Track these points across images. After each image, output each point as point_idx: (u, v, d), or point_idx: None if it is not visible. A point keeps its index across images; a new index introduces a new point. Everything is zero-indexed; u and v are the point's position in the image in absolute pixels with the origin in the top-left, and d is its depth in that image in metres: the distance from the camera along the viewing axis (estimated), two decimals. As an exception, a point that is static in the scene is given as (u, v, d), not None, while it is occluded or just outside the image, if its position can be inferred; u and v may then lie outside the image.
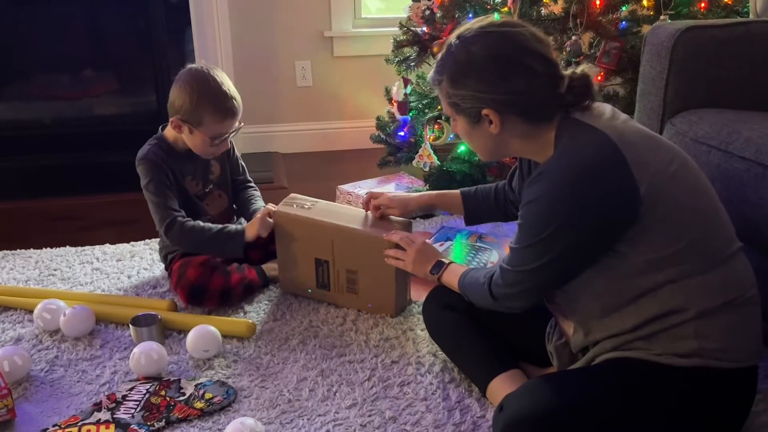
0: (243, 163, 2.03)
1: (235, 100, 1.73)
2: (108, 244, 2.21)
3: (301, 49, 3.24)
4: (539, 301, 1.29)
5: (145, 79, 3.06)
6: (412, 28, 2.57)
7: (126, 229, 2.37)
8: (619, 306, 1.15)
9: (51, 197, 2.73)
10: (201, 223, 1.79)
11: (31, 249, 2.18)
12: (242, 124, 1.81)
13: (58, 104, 3.04)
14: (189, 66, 1.77)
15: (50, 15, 2.89)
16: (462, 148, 2.46)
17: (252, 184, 2.05)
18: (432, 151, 2.46)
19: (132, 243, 2.22)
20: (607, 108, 1.22)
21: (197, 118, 1.71)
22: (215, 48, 2.96)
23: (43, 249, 2.17)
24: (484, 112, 1.18)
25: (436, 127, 2.50)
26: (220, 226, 1.80)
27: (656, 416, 1.11)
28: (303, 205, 1.79)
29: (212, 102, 1.69)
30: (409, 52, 2.59)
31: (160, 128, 1.87)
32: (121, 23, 3.02)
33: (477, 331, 1.45)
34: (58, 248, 2.18)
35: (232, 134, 1.79)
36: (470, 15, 2.38)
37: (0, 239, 2.27)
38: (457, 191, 1.68)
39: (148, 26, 2.91)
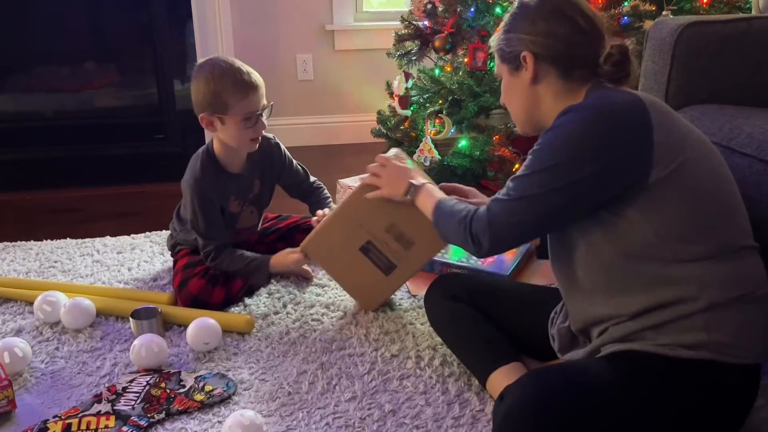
0: (303, 166, 2.00)
1: (252, 74, 1.67)
2: (108, 237, 2.22)
3: (302, 42, 3.23)
4: (518, 244, 1.26)
5: (146, 72, 3.05)
6: (414, 22, 2.56)
7: (126, 221, 2.37)
8: (627, 286, 1.14)
9: (52, 189, 2.74)
10: (236, 253, 1.79)
11: (32, 241, 2.18)
12: (271, 102, 1.75)
13: (59, 96, 3.04)
14: (198, 62, 1.74)
15: (52, 7, 2.88)
16: (463, 143, 2.46)
17: (320, 185, 2.03)
18: (433, 146, 2.46)
19: (132, 235, 2.23)
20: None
21: (222, 104, 1.65)
22: (216, 41, 2.95)
23: (44, 241, 2.18)
24: (523, 54, 1.22)
25: (437, 121, 2.50)
26: (252, 256, 1.79)
27: (660, 409, 1.11)
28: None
29: (228, 83, 1.64)
30: (411, 46, 2.59)
31: (207, 144, 1.81)
32: (123, 16, 3.02)
33: (479, 323, 1.45)
34: (58, 240, 2.18)
35: (264, 112, 1.72)
36: (472, 10, 2.38)
37: (1, 231, 2.27)
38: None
39: (149, 19, 2.91)
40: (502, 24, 1.29)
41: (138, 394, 1.41)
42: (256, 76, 1.69)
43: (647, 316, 1.12)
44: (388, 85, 2.72)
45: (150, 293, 1.82)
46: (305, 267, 1.90)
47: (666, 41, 1.70)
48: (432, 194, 1.43)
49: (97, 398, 1.40)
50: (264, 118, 1.72)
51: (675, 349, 1.10)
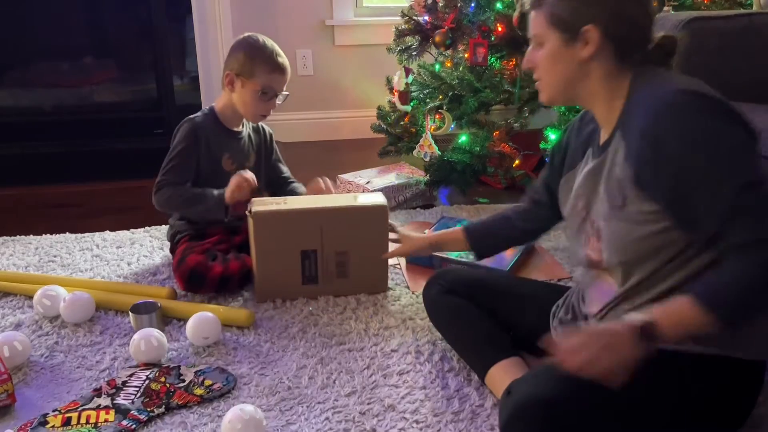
0: (286, 167, 2.12)
1: (285, 60, 1.86)
2: (108, 231, 2.21)
3: (302, 37, 3.23)
4: None
5: (145, 67, 3.05)
6: (414, 17, 2.56)
7: (126, 216, 2.37)
8: (671, 262, 1.10)
9: (51, 184, 2.73)
10: (188, 188, 1.84)
11: (31, 235, 2.18)
12: (288, 93, 1.90)
13: (58, 91, 3.04)
14: (241, 36, 1.89)
15: (51, 2, 2.88)
16: (463, 139, 2.45)
17: (294, 180, 2.11)
18: (433, 141, 2.46)
19: (132, 230, 2.23)
20: None
21: (250, 69, 1.81)
22: (216, 36, 2.95)
23: (43, 235, 2.18)
24: (586, 28, 1.13)
25: (437, 117, 2.50)
26: (201, 190, 1.83)
27: (670, 404, 1.11)
28: (276, 203, 1.75)
29: (264, 54, 1.82)
30: (411, 41, 2.58)
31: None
32: (122, 10, 3.02)
33: (477, 317, 1.45)
34: (58, 235, 2.18)
35: (280, 97, 1.87)
36: (472, 5, 2.38)
37: (0, 225, 2.27)
38: (459, 229, 1.60)
39: (148, 13, 2.90)
40: None
41: (138, 389, 1.41)
42: (287, 65, 1.88)
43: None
44: (388, 81, 2.72)
45: (149, 287, 1.82)
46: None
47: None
48: (670, 308, 1.03)
49: (97, 392, 1.40)
50: (278, 102, 1.88)
51: (684, 343, 1.08)
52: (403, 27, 2.58)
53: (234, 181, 1.79)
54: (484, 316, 1.45)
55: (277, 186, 2.08)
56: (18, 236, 2.18)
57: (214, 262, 1.78)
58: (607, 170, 1.17)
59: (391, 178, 2.51)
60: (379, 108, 2.81)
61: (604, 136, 1.21)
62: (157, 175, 1.85)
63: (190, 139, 1.84)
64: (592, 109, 1.23)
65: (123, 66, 3.10)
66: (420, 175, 2.53)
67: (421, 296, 1.64)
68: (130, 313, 1.63)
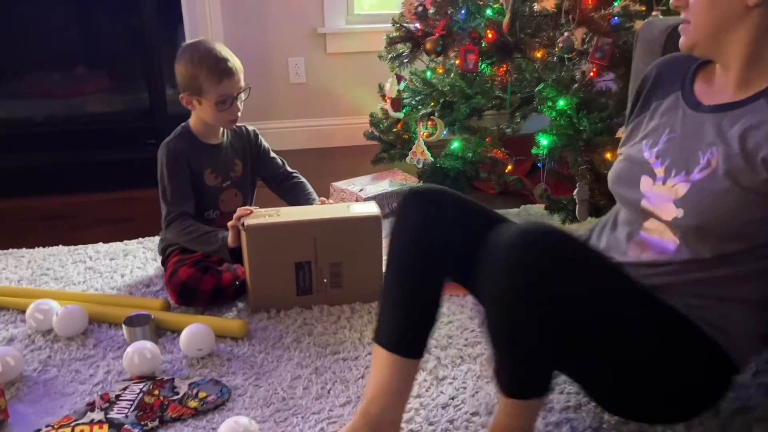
0: (281, 158, 2.07)
1: (229, 60, 1.78)
2: (101, 243, 2.21)
3: (294, 45, 3.23)
4: None
5: (137, 77, 3.05)
6: (405, 25, 2.56)
7: (119, 227, 2.36)
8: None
9: (43, 196, 2.72)
10: (197, 224, 1.81)
11: (24, 248, 2.17)
12: (250, 86, 1.86)
13: (50, 102, 3.03)
14: (182, 45, 1.86)
15: (42, 12, 2.87)
16: (455, 145, 2.46)
17: (297, 174, 2.08)
18: (425, 148, 2.46)
19: (125, 242, 2.22)
20: None
21: (197, 86, 1.77)
22: (208, 45, 2.95)
23: (36, 248, 2.17)
24: None
25: (429, 123, 2.50)
26: (212, 229, 1.80)
27: (649, 345, 1.12)
28: (269, 215, 1.74)
29: (205, 66, 1.75)
30: (402, 48, 2.59)
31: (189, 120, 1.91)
32: (113, 20, 3.01)
33: (424, 284, 1.23)
34: (50, 247, 2.18)
35: (240, 96, 1.82)
36: (462, 12, 2.38)
37: (-9, 239, 2.26)
38: None
39: (140, 23, 2.90)
40: None
41: (131, 402, 1.41)
42: (234, 63, 1.79)
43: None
44: (380, 88, 2.72)
45: (143, 299, 1.82)
46: None
47: (656, 41, 1.70)
48: None
49: (90, 406, 1.40)
50: (241, 101, 1.83)
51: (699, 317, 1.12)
52: (394, 34, 2.58)
53: (233, 229, 1.74)
54: (434, 285, 1.23)
55: (279, 182, 2.06)
56: (10, 249, 2.17)
57: (206, 274, 1.77)
58: (734, 133, 1.10)
59: (384, 185, 2.52)
60: (371, 115, 2.81)
61: (728, 96, 1.15)
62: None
63: (171, 163, 1.82)
64: (728, 66, 1.15)
65: (114, 76, 3.10)
66: (413, 182, 2.53)
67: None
68: (123, 325, 1.63)
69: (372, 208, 1.79)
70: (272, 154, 2.06)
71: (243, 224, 1.70)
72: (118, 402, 1.41)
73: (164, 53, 2.94)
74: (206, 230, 1.79)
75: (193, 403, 1.40)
